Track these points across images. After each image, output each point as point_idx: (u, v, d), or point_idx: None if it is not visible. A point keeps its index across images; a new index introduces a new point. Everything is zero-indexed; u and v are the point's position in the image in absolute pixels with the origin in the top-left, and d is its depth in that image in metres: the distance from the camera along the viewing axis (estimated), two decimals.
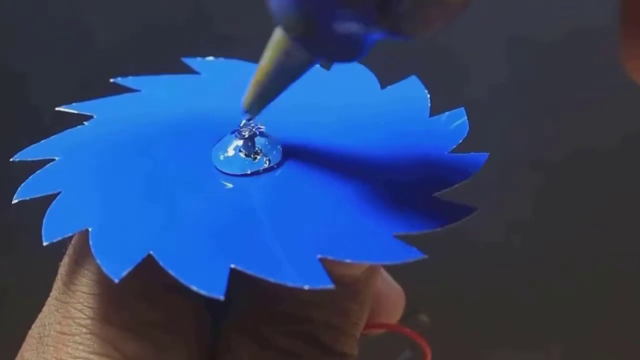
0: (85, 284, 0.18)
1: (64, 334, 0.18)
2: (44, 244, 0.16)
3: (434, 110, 0.22)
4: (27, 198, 0.18)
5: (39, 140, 0.20)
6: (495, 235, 0.46)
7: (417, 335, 0.22)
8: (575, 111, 0.45)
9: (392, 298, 0.23)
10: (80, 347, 0.18)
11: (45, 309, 0.19)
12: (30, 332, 0.19)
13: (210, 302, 0.16)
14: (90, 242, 0.16)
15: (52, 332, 0.18)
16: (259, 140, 0.19)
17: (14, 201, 0.18)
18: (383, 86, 0.23)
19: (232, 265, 0.16)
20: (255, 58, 0.20)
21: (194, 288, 0.15)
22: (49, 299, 0.19)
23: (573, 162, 0.45)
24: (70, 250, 0.19)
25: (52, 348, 0.18)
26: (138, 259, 0.16)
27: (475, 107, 0.43)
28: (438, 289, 0.44)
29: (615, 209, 0.46)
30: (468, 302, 0.46)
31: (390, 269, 0.24)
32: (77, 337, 0.18)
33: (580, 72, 0.44)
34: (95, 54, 0.43)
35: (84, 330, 0.18)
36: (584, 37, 0.43)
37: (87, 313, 0.18)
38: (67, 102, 0.21)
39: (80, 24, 0.43)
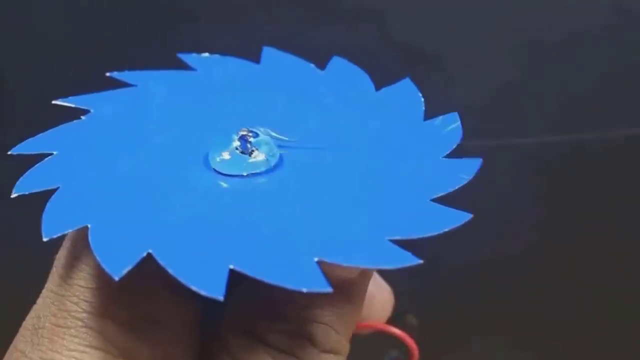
0: (82, 277, 0.19)
1: (60, 326, 0.18)
2: (44, 239, 0.17)
3: (435, 112, 0.22)
4: (26, 193, 0.18)
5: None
6: (494, 238, 0.47)
7: (406, 335, 0.23)
8: (576, 112, 0.45)
9: (381, 298, 0.24)
10: (76, 340, 0.18)
11: (39, 300, 0.20)
12: (24, 323, 0.20)
13: (205, 299, 0.16)
14: (90, 240, 0.17)
15: (47, 324, 0.19)
16: (256, 142, 0.20)
17: (13, 195, 0.18)
18: (378, 88, 0.23)
19: (231, 266, 0.16)
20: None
21: (194, 288, 0.15)
22: (43, 290, 0.20)
23: (576, 165, 0.46)
24: (67, 243, 0.20)
25: (47, 340, 0.18)
26: (138, 257, 0.16)
27: (475, 110, 0.43)
28: (431, 292, 0.45)
29: (618, 211, 0.46)
30: (462, 305, 0.47)
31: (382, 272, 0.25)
32: (72, 330, 0.18)
33: (582, 74, 0.45)
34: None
35: (79, 323, 0.18)
36: (585, 39, 0.44)
37: (83, 306, 0.19)
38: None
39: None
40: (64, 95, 0.22)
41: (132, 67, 0.23)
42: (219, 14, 0.44)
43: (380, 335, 0.24)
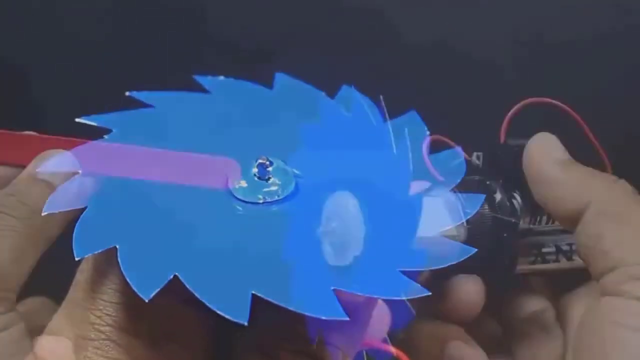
0: (105, 292, 0.20)
1: (83, 338, 0.20)
2: (76, 258, 0.19)
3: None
4: (56, 212, 0.20)
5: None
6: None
7: (402, 354, 0.24)
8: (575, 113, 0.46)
9: (380, 318, 0.25)
10: (99, 351, 0.20)
11: (61, 310, 0.21)
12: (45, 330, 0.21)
13: (227, 321, 0.18)
14: (120, 261, 0.18)
15: (70, 335, 0.20)
16: (274, 170, 0.22)
17: (43, 213, 0.20)
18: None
19: (253, 292, 0.18)
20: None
21: (220, 313, 0.17)
22: (65, 301, 0.22)
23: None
24: (90, 258, 0.21)
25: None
26: (165, 279, 0.18)
27: (475, 110, 0.44)
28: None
29: None
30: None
31: None
32: (95, 342, 0.20)
33: (583, 74, 0.46)
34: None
35: (102, 336, 0.20)
36: (585, 39, 0.45)
37: (105, 320, 0.20)
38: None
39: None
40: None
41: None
42: (219, 13, 0.45)
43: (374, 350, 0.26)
